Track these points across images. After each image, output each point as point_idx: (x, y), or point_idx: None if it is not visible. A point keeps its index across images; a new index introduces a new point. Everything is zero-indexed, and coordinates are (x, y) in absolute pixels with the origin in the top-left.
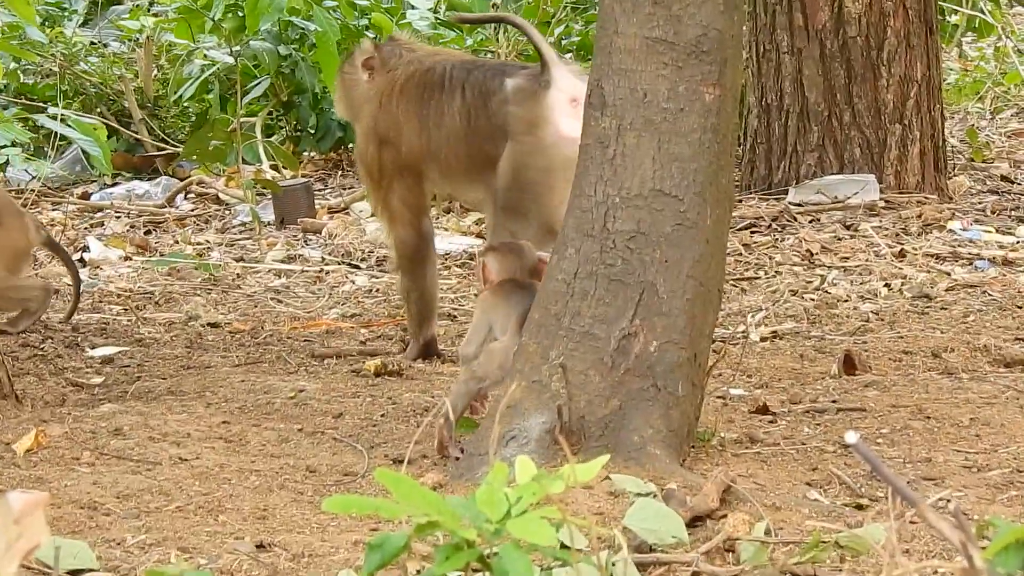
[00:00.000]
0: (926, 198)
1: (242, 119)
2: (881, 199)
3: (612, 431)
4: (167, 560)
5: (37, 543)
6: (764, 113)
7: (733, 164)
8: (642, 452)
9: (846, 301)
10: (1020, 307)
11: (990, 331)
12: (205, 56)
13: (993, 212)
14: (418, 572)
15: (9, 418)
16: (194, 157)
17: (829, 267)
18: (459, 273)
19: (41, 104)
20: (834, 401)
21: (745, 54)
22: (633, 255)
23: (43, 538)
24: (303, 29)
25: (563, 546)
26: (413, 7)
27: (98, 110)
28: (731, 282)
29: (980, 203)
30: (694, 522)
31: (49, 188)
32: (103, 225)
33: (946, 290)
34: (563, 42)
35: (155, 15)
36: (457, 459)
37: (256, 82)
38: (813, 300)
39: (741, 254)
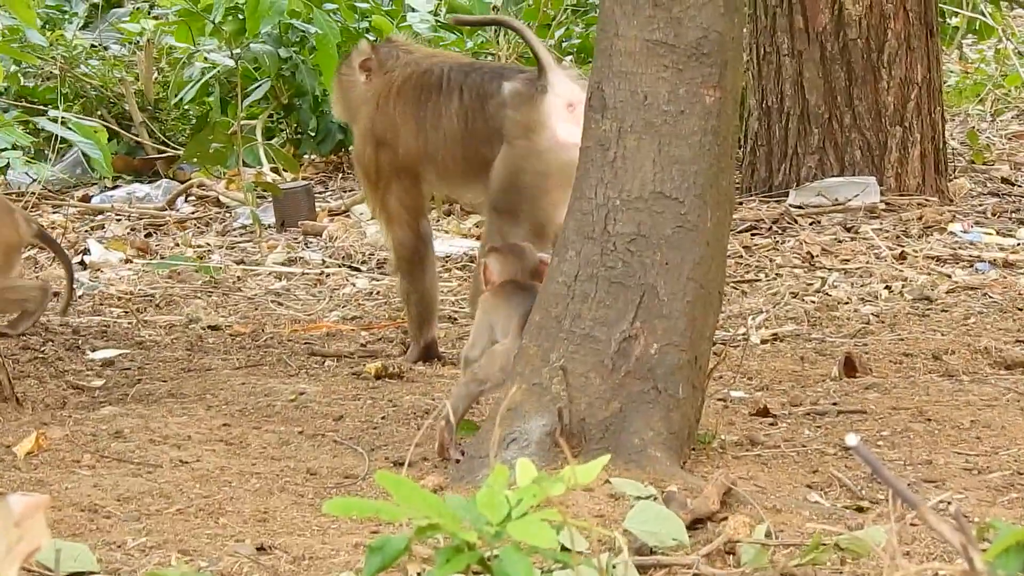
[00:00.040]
0: (927, 200)
1: (242, 122)
2: (882, 201)
3: (612, 433)
4: (168, 563)
5: (38, 546)
6: (764, 115)
7: (733, 166)
8: (643, 454)
9: (847, 303)
10: (1021, 309)
11: (991, 333)
12: (205, 59)
13: (994, 214)
14: (419, 574)
15: (10, 421)
16: (194, 160)
17: (830, 269)
18: (460, 276)
19: (42, 107)
20: (835, 403)
21: (745, 56)
22: (634, 257)
23: (44, 541)
24: (303, 32)
25: (563, 548)
26: (413, 10)
27: (99, 113)
28: (732, 284)
29: (981, 205)
30: (695, 524)
31: (49, 191)
32: (104, 228)
33: (947, 292)
34: (563, 44)
35: (155, 18)
36: (458, 461)
37: (256, 85)
38: (814, 302)
39: (742, 256)
